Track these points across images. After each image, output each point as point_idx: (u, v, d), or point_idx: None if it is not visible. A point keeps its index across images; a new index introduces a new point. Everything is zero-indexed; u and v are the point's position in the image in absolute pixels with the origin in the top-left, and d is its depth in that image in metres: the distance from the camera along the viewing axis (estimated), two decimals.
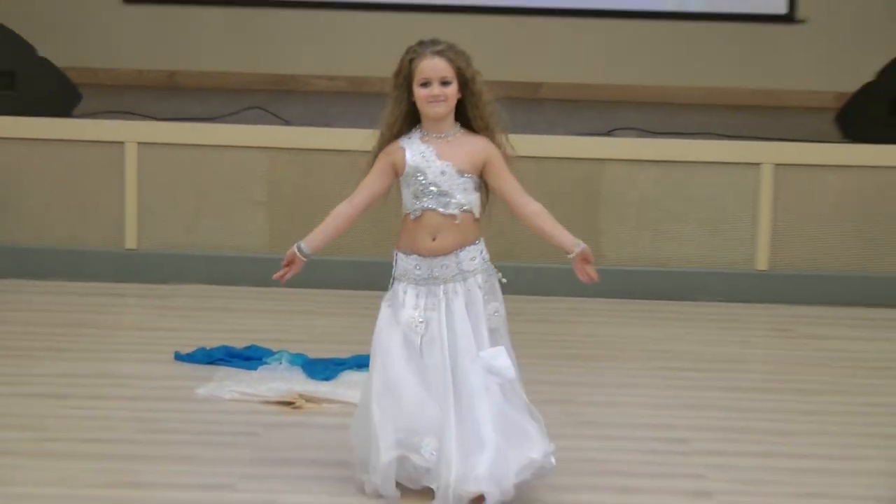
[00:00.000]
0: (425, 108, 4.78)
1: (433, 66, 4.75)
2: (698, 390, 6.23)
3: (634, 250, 7.91)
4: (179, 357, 6.43)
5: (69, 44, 10.09)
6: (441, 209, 4.77)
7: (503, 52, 10.66)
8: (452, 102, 4.79)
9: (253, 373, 6.17)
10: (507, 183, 4.82)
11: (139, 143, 7.95)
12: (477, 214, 4.83)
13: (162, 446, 5.28)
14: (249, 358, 6.35)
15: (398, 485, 4.75)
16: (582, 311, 7.57)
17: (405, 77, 4.79)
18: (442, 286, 4.79)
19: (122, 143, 7.95)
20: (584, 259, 4.79)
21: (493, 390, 4.72)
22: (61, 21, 10.41)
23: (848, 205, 7.91)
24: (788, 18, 10.64)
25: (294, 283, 7.92)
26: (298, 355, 6.33)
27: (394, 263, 4.86)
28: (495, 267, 4.88)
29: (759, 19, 10.70)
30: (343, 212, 4.89)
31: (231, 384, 5.99)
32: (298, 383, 5.98)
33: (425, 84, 4.75)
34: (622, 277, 7.84)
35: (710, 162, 7.92)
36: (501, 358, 4.76)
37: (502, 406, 4.73)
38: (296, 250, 4.86)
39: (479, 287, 4.82)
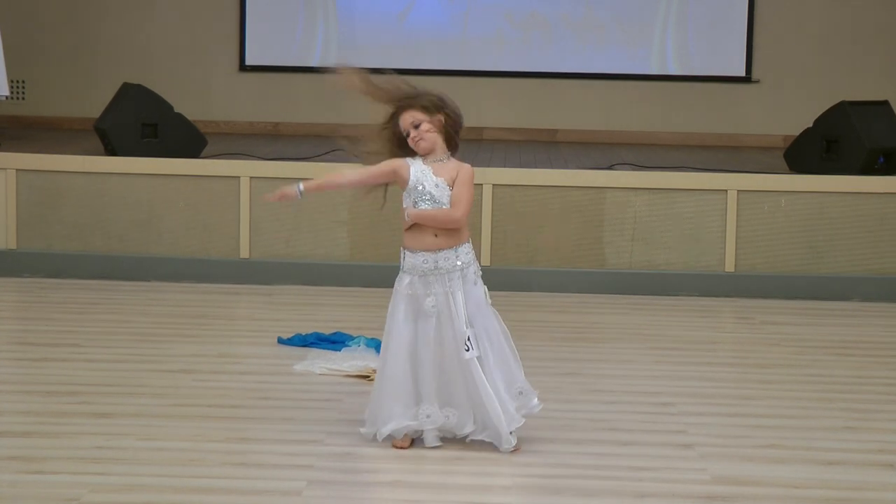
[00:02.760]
0: (414, 148, 4.75)
1: (405, 119, 4.74)
2: (680, 365, 6.15)
3: (630, 257, 7.82)
4: (281, 341, 6.38)
5: (198, 102, 10.13)
6: None
7: (529, 106, 10.62)
8: (432, 136, 4.73)
9: (337, 353, 6.10)
10: (457, 194, 4.71)
11: (251, 178, 7.91)
12: None
13: (267, 410, 5.24)
14: (335, 341, 6.30)
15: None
16: (590, 304, 7.47)
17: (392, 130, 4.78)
18: (446, 275, 4.70)
19: (237, 177, 7.92)
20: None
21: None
22: (192, 85, 10.46)
23: (795, 221, 7.79)
24: (746, 79, 10.59)
25: (369, 283, 7.83)
26: (373, 339, 6.22)
27: (402, 260, 4.77)
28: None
29: (723, 80, 10.64)
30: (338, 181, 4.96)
31: (320, 362, 5.94)
32: (372, 361, 5.88)
33: (407, 134, 4.74)
34: (621, 278, 7.76)
35: (688, 189, 7.83)
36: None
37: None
38: (297, 191, 4.75)
39: (474, 273, 4.74)
